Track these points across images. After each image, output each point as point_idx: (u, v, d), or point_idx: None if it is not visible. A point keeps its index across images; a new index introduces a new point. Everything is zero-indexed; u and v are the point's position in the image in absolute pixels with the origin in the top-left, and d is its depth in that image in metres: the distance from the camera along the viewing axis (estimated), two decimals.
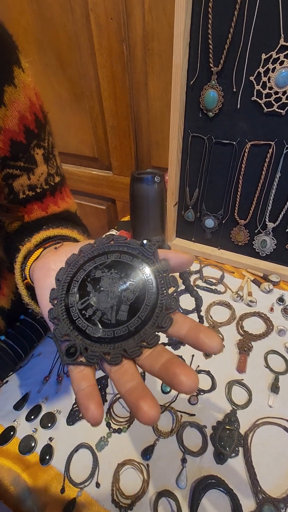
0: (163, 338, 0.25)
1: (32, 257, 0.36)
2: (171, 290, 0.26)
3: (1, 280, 0.54)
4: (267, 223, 0.67)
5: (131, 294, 0.26)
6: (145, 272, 0.27)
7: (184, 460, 0.42)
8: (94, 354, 0.24)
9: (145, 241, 0.28)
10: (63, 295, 0.27)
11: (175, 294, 0.26)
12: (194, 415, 0.47)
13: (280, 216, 0.64)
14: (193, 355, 0.55)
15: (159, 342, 0.25)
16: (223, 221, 0.72)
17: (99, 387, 0.50)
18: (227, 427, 0.45)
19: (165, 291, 0.26)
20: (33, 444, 0.45)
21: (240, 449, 0.43)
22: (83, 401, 0.22)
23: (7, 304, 0.56)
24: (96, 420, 0.21)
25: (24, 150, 0.43)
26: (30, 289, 0.37)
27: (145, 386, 0.22)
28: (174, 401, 0.49)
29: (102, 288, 0.27)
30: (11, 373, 0.54)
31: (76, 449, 0.44)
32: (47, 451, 0.44)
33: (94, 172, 1.14)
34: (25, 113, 0.41)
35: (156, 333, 0.25)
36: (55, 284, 0.28)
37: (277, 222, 0.65)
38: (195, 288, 0.29)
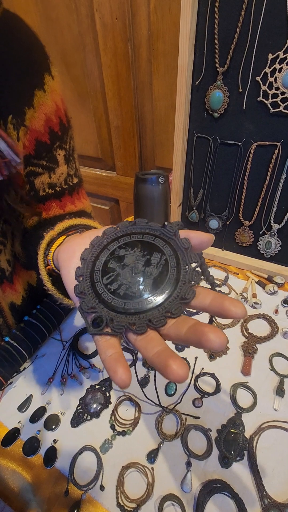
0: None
1: (55, 243, 0.37)
2: (193, 265, 0.27)
3: (14, 275, 0.55)
4: (272, 224, 0.66)
5: (154, 269, 0.27)
6: (168, 250, 0.28)
7: (188, 464, 0.42)
8: (120, 324, 0.25)
9: (166, 223, 0.30)
10: (88, 272, 0.29)
11: (197, 268, 0.27)
12: (199, 417, 0.47)
13: (286, 217, 0.64)
14: (196, 357, 0.55)
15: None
16: (228, 222, 0.72)
17: (103, 389, 0.50)
18: (232, 430, 0.44)
19: (187, 266, 0.27)
20: (37, 446, 0.45)
21: (245, 453, 0.43)
22: (111, 365, 0.22)
23: (18, 300, 0.58)
24: (124, 382, 0.21)
25: (48, 150, 0.46)
26: (51, 276, 0.39)
27: (172, 350, 0.23)
28: (179, 402, 0.48)
29: (126, 265, 0.28)
30: (15, 374, 0.54)
31: (80, 451, 0.44)
32: (51, 453, 0.44)
33: (98, 173, 1.14)
34: (51, 116, 0.45)
35: (180, 304, 0.25)
36: (80, 263, 0.30)
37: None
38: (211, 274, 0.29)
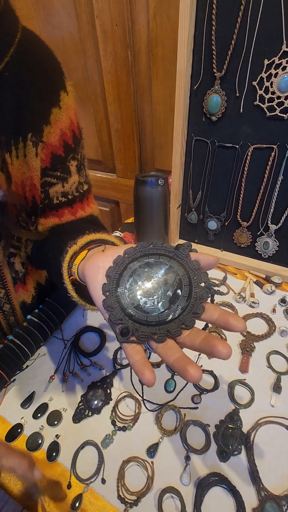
0: None
1: (78, 257, 0.41)
2: (202, 284, 0.31)
3: (26, 276, 0.57)
4: (269, 225, 0.67)
5: (170, 288, 0.32)
6: (181, 270, 0.33)
7: (187, 458, 0.43)
8: (144, 334, 0.29)
9: (178, 245, 0.34)
10: (113, 288, 0.33)
11: (206, 287, 0.32)
12: (197, 408, 0.48)
13: (283, 218, 0.65)
14: (199, 355, 0.56)
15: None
16: (226, 223, 0.73)
17: (104, 386, 0.52)
18: (230, 425, 0.45)
19: (197, 285, 0.31)
20: (40, 441, 0.46)
21: (243, 447, 0.44)
22: (139, 368, 0.27)
23: (29, 299, 0.60)
24: (151, 381, 0.26)
25: (62, 162, 0.49)
26: (74, 285, 0.42)
27: (188, 357, 0.27)
28: (173, 400, 0.49)
29: (146, 283, 0.32)
30: (18, 372, 0.55)
31: (82, 446, 0.45)
32: (54, 448, 0.45)
33: (98, 175, 1.16)
34: (66, 130, 0.47)
35: (192, 317, 0.30)
36: (106, 280, 0.34)
37: (280, 224, 0.66)
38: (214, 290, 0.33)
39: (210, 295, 0.31)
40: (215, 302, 0.63)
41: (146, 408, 0.49)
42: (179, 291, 0.31)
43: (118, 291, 0.32)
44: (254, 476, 0.41)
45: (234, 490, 0.40)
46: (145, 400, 0.49)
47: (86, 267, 0.37)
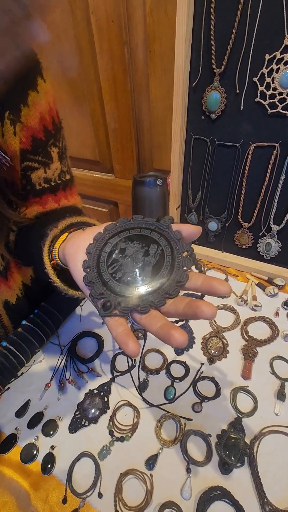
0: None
1: (59, 240, 0.41)
2: (185, 254, 0.32)
3: (7, 272, 0.56)
4: (271, 226, 0.65)
5: (153, 259, 0.32)
6: (163, 241, 0.33)
7: (188, 470, 0.41)
8: (127, 306, 0.29)
9: (159, 218, 0.34)
10: (94, 264, 0.33)
11: (189, 256, 0.32)
12: (191, 419, 0.46)
13: (285, 219, 0.63)
14: (202, 363, 0.54)
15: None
16: (227, 224, 0.71)
17: (101, 393, 0.50)
18: (232, 435, 0.44)
19: (180, 255, 0.31)
20: (34, 453, 0.45)
21: (246, 458, 0.42)
22: (123, 339, 0.27)
23: (13, 299, 0.58)
24: (135, 352, 0.26)
25: (43, 146, 0.50)
26: (55, 269, 0.42)
27: (172, 323, 0.27)
28: (168, 403, 0.48)
29: (127, 256, 0.32)
30: (13, 379, 0.54)
31: (78, 458, 0.44)
32: (49, 460, 0.44)
33: (96, 175, 1.14)
34: (45, 115, 0.48)
35: (176, 286, 0.29)
36: (87, 257, 0.34)
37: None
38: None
39: (194, 263, 0.31)
40: (216, 304, 0.62)
41: (148, 403, 0.47)
42: (162, 261, 0.31)
43: (100, 266, 0.32)
44: (258, 490, 0.39)
45: (237, 505, 0.38)
46: (148, 402, 0.47)
47: (66, 247, 0.37)
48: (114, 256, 0.33)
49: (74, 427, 0.47)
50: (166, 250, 0.32)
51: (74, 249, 0.35)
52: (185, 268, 0.30)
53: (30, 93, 0.46)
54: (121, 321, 0.29)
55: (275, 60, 0.52)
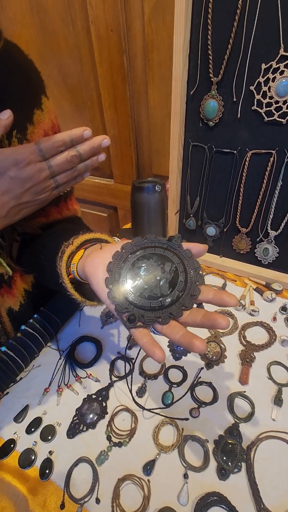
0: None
1: (76, 257, 0.43)
2: (196, 270, 0.36)
3: (11, 280, 0.57)
4: (269, 231, 0.66)
5: (168, 275, 0.35)
6: (175, 259, 0.36)
7: (185, 476, 0.41)
8: (149, 318, 0.33)
9: (170, 237, 0.38)
10: (116, 281, 0.36)
11: (199, 272, 0.36)
12: (187, 419, 0.47)
13: (283, 224, 0.64)
14: (201, 368, 0.54)
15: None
16: (225, 229, 0.72)
17: (99, 399, 0.50)
18: (229, 441, 0.44)
19: (192, 271, 0.35)
20: (33, 458, 0.45)
21: (243, 464, 0.42)
22: (149, 348, 0.31)
23: (16, 306, 0.59)
24: (161, 358, 0.30)
25: None
26: (73, 283, 0.44)
27: (192, 332, 0.31)
28: (165, 408, 0.48)
29: (146, 273, 0.36)
30: (12, 384, 0.54)
31: (76, 463, 0.44)
32: (47, 465, 0.44)
33: (96, 181, 1.15)
34: (48, 131, 0.51)
35: (191, 299, 0.33)
36: (108, 274, 0.36)
37: (279, 230, 0.65)
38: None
39: (203, 280, 0.35)
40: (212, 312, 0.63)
41: (142, 408, 0.47)
42: (176, 277, 0.35)
43: (120, 283, 0.35)
44: (255, 496, 0.39)
45: (234, 511, 0.38)
46: (138, 405, 0.47)
47: (86, 264, 0.39)
48: (133, 273, 0.36)
49: (72, 432, 0.47)
50: (179, 267, 0.35)
51: (94, 267, 0.38)
52: (197, 283, 0.34)
53: (35, 112, 0.49)
54: (145, 332, 0.33)
55: (271, 70, 0.53)
